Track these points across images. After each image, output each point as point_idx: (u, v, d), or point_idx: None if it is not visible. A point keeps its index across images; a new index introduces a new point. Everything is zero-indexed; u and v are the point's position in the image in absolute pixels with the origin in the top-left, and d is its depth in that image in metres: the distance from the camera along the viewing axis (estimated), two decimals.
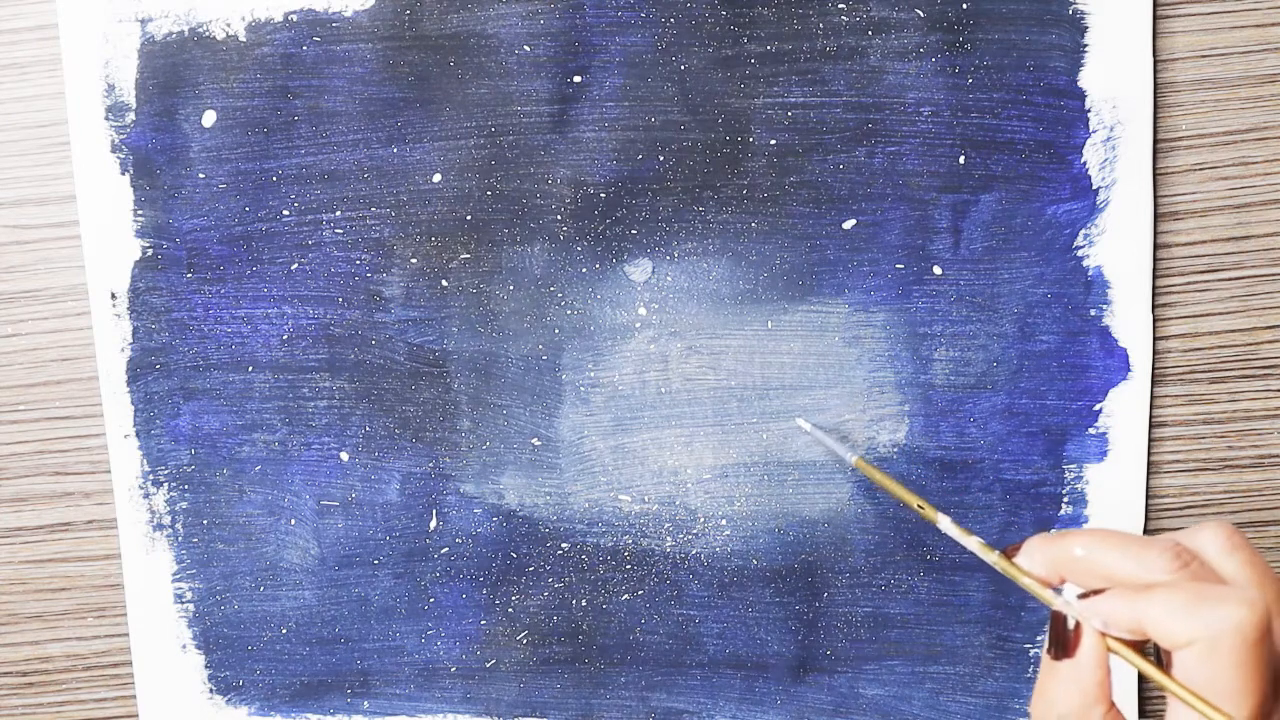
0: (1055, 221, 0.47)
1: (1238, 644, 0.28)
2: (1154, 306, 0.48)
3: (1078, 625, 0.32)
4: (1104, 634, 0.32)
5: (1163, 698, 0.49)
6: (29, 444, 0.50)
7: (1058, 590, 0.33)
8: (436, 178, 0.48)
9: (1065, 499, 0.48)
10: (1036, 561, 0.34)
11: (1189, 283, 0.48)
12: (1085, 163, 0.47)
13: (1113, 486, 0.48)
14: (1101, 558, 0.32)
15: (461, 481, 0.49)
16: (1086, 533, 0.33)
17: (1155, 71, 0.47)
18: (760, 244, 0.48)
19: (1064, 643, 0.32)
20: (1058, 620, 0.33)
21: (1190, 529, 0.32)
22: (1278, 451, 0.49)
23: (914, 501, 0.38)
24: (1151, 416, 0.48)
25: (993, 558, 0.35)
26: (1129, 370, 0.48)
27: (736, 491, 0.49)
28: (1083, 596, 0.32)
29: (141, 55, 0.47)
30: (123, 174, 0.48)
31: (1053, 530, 0.34)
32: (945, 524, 0.37)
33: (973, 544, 0.36)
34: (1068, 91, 0.46)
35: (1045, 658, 0.33)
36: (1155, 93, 0.47)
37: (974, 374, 0.48)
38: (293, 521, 0.50)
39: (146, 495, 0.49)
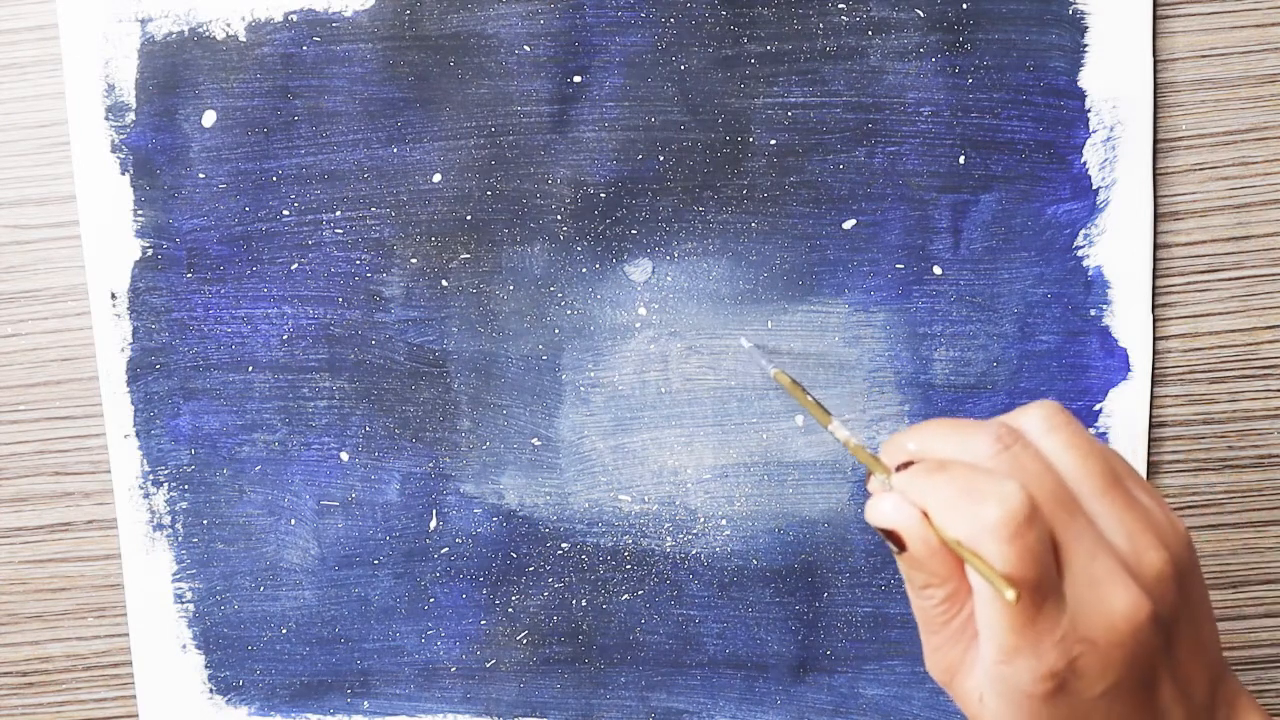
0: (1055, 221, 0.47)
1: (997, 540, 0.28)
2: (1154, 306, 0.48)
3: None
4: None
5: None
6: (29, 444, 0.50)
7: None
8: (436, 178, 0.48)
9: None
10: (892, 457, 0.33)
11: (1189, 283, 0.48)
12: (1085, 163, 0.47)
13: None
14: (932, 446, 0.31)
15: (461, 481, 0.49)
16: (926, 424, 0.32)
17: (1155, 71, 0.47)
18: (760, 244, 0.48)
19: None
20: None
21: (1019, 409, 0.32)
22: (1278, 451, 0.49)
23: (823, 418, 0.37)
24: (1151, 416, 0.48)
25: (844, 436, 0.35)
26: (1129, 370, 0.48)
27: (736, 491, 0.49)
28: (899, 469, 0.32)
29: (141, 55, 0.47)
30: (123, 174, 0.48)
31: (913, 425, 0.33)
32: (836, 427, 0.36)
33: (852, 449, 0.35)
34: (1068, 91, 0.46)
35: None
36: (1155, 93, 0.47)
37: (974, 374, 0.48)
38: (293, 521, 0.50)
39: (146, 495, 0.49)
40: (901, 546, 0.31)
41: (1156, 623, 0.29)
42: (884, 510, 0.31)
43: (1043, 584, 0.28)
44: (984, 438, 0.30)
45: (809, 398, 0.38)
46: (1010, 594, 0.28)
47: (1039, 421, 0.31)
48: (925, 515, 0.30)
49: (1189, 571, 0.30)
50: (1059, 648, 0.28)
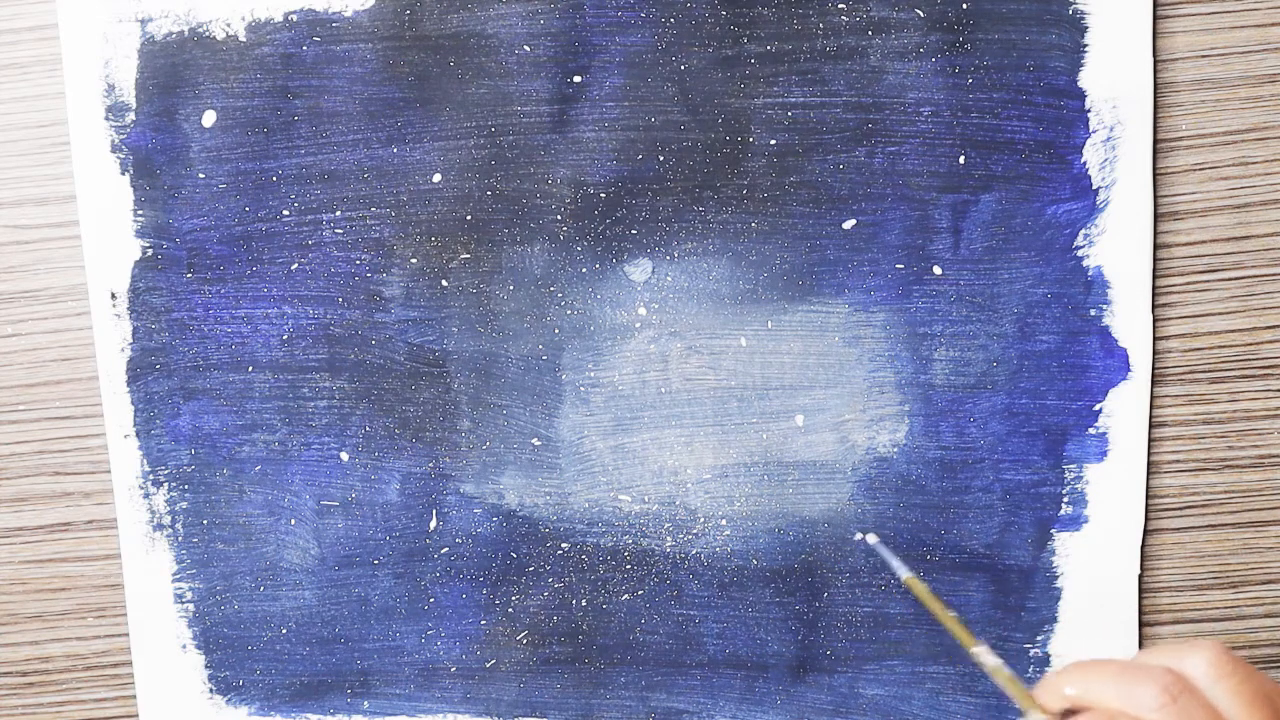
0: (1055, 221, 0.47)
1: None
2: (1154, 306, 0.48)
3: None
4: None
5: None
6: (29, 444, 0.50)
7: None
8: (436, 178, 0.48)
9: (1065, 499, 0.48)
10: (1049, 699, 0.33)
11: (1189, 283, 0.48)
12: (1085, 163, 0.47)
13: (1113, 486, 0.48)
14: (1093, 690, 0.32)
15: (461, 481, 0.49)
16: (1086, 666, 0.32)
17: (1155, 71, 0.47)
18: (760, 244, 0.48)
19: None
20: None
21: (1183, 649, 0.32)
22: (1278, 451, 0.49)
23: (967, 640, 0.38)
24: (1151, 416, 0.48)
25: (993, 664, 0.36)
26: (1129, 370, 0.48)
27: (736, 491, 0.49)
28: (1065, 716, 0.32)
29: (141, 55, 0.47)
30: (123, 174, 0.48)
31: (1071, 663, 0.34)
32: (982, 652, 0.37)
33: (1001, 679, 0.36)
34: (1068, 91, 0.46)
35: None
36: (1155, 93, 0.47)
37: (974, 374, 0.48)
38: (293, 521, 0.50)
39: (146, 495, 0.49)
40: None
41: None
42: None
43: None
44: (1150, 687, 0.31)
45: (950, 615, 0.38)
46: None
47: (1207, 668, 0.31)
48: None
49: None
50: None
